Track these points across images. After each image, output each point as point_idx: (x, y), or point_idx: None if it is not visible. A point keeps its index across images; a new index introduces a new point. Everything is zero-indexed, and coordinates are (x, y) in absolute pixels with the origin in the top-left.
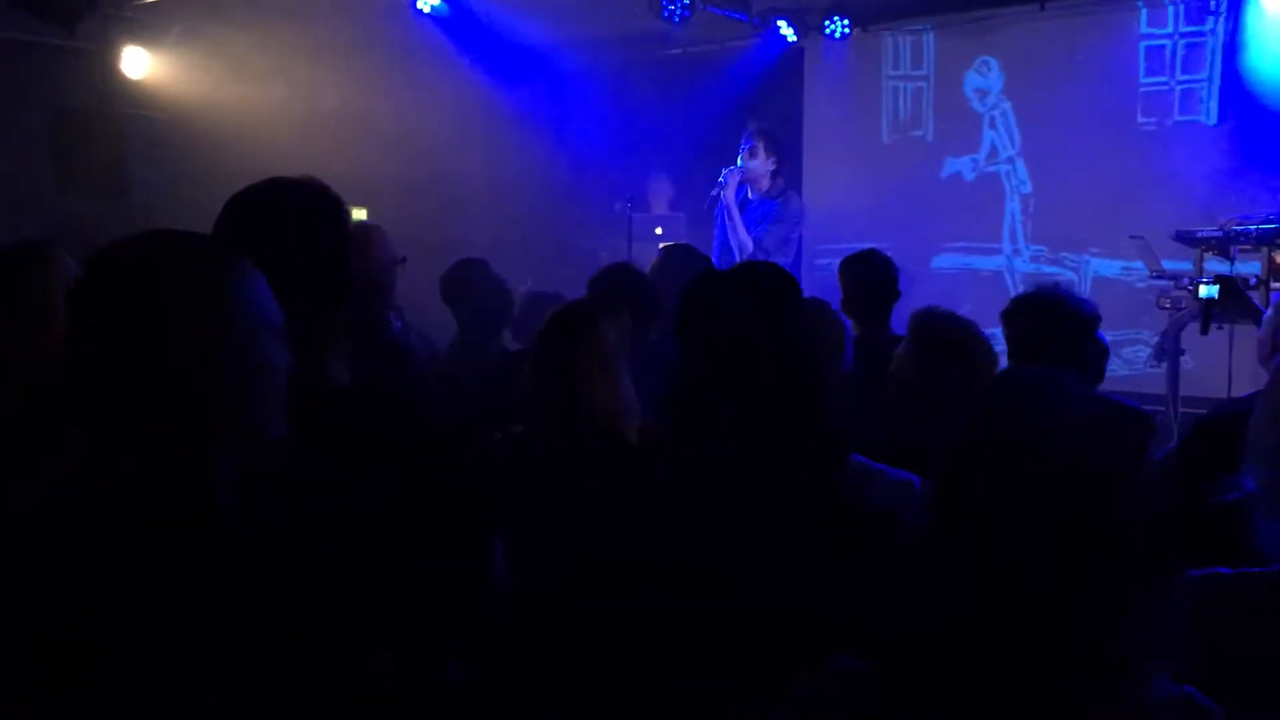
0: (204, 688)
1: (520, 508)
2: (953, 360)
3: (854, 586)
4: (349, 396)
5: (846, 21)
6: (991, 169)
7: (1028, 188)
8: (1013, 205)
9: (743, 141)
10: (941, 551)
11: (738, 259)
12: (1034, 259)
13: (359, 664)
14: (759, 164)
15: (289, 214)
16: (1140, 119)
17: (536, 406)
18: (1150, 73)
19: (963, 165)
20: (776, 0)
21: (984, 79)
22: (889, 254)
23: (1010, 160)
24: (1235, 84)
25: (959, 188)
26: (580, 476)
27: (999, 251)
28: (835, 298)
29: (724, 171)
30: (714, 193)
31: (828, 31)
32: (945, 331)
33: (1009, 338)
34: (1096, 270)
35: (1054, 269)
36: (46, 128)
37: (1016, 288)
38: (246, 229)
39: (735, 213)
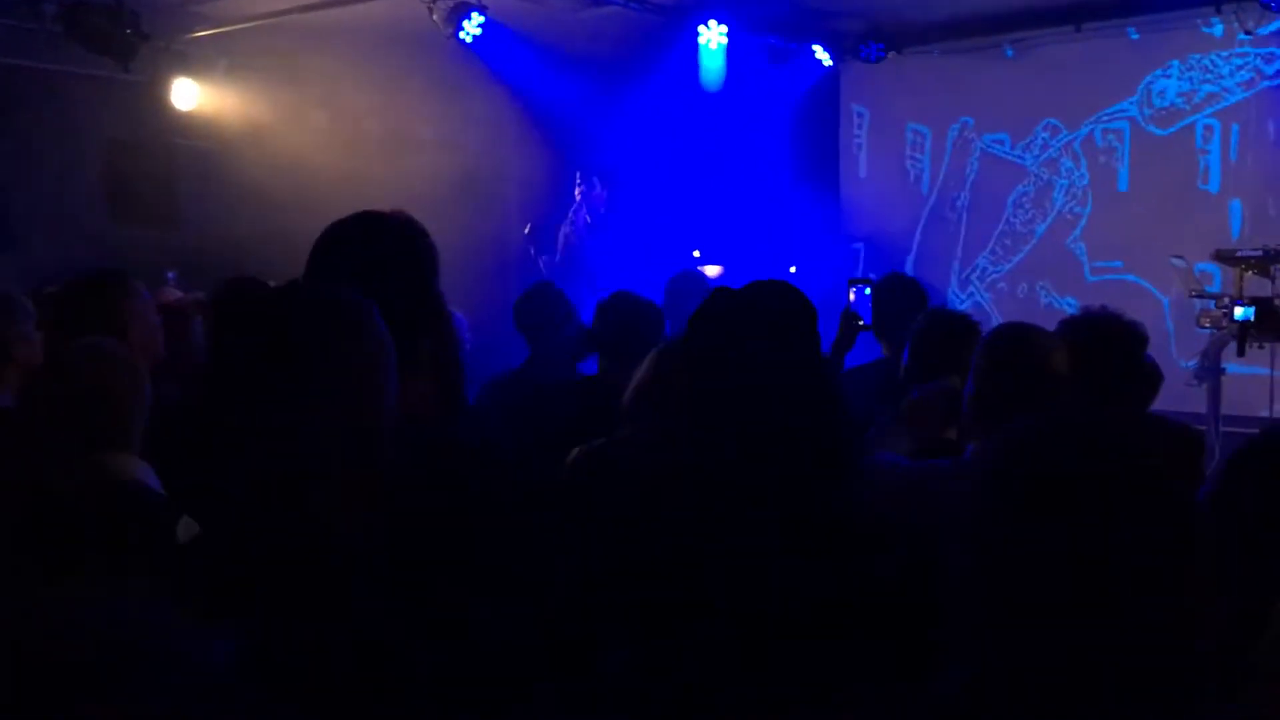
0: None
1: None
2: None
3: (853, 595)
4: (433, 426)
5: (881, 46)
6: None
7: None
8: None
9: None
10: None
11: None
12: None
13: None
14: None
15: (378, 246)
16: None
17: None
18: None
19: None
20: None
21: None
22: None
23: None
24: None
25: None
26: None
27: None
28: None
29: None
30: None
31: (862, 56)
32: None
33: None
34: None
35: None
36: (100, 158)
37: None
38: (338, 261)
39: None
